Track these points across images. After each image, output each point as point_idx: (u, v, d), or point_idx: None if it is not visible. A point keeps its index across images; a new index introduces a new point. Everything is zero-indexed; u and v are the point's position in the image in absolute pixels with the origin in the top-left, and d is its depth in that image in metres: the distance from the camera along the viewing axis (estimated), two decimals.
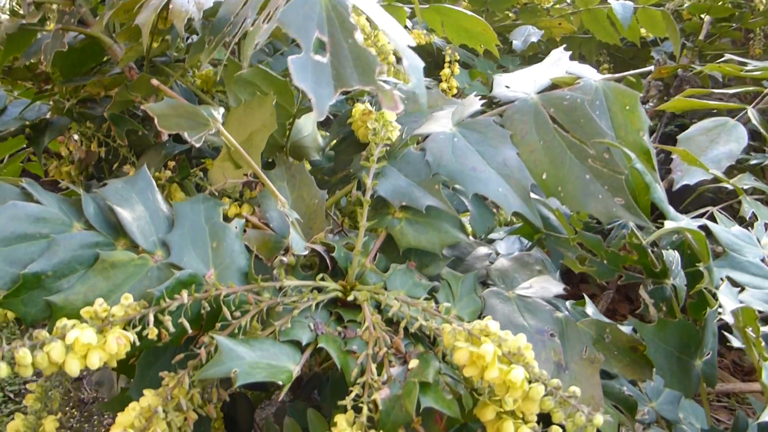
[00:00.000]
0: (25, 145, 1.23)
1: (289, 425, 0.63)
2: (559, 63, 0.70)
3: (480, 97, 0.71)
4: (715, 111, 1.65)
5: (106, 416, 2.47)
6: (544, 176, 0.63)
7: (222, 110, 0.64)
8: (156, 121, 0.61)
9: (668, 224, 0.59)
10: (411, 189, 0.63)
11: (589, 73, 0.67)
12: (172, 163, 0.91)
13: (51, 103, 1.01)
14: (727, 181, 0.82)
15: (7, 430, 0.74)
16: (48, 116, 1.11)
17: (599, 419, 0.51)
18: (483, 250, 0.73)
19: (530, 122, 0.65)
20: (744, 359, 2.40)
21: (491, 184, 0.62)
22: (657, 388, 0.84)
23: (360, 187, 0.65)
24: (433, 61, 1.64)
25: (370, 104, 0.77)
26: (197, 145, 0.60)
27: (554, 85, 0.68)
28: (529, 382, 0.52)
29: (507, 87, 0.69)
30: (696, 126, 1.04)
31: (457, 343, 0.53)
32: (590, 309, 0.76)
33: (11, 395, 2.50)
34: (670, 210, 0.63)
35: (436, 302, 0.60)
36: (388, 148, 0.67)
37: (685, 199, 1.20)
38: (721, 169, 0.96)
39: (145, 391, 0.52)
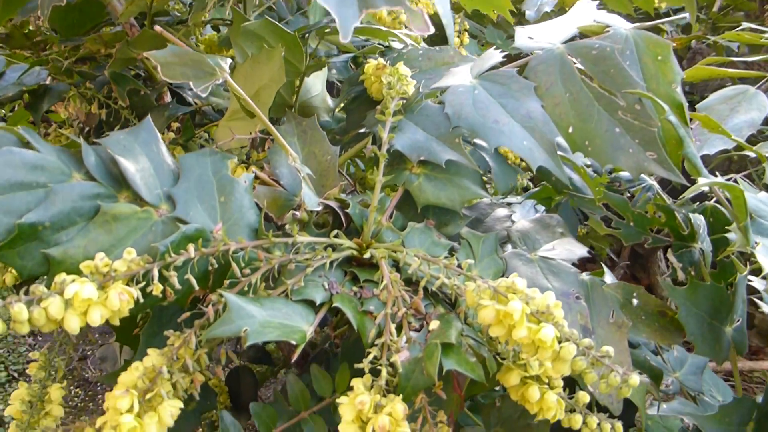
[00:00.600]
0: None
1: (293, 382, 0.60)
2: (585, 12, 0.66)
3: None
4: (729, 83, 1.61)
5: None
6: (570, 130, 0.59)
7: (229, 60, 0.61)
8: (159, 69, 0.57)
9: (702, 180, 0.56)
10: (429, 143, 0.60)
11: (618, 22, 0.63)
12: (175, 125, 0.87)
13: (50, 65, 0.97)
14: (750, 148, 0.78)
15: (10, 399, 0.71)
16: (47, 82, 1.08)
17: (635, 379, 0.48)
18: (503, 211, 0.69)
19: (555, 73, 0.61)
20: (751, 338, 2.37)
21: (515, 137, 0.58)
22: (680, 359, 0.81)
23: (375, 142, 0.61)
24: (440, 34, 1.60)
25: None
26: (203, 95, 0.56)
27: (580, 36, 0.64)
28: (560, 341, 0.49)
29: (530, 38, 0.65)
30: (715, 95, 1.00)
31: (482, 301, 0.50)
32: (609, 278, 0.73)
33: (15, 374, 2.49)
34: (703, 167, 0.60)
35: (457, 263, 0.57)
36: (404, 101, 0.63)
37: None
38: (743, 137, 0.93)
39: (149, 351, 0.49)
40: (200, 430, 1.08)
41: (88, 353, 2.61)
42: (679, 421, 0.86)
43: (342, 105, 0.84)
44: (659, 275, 1.18)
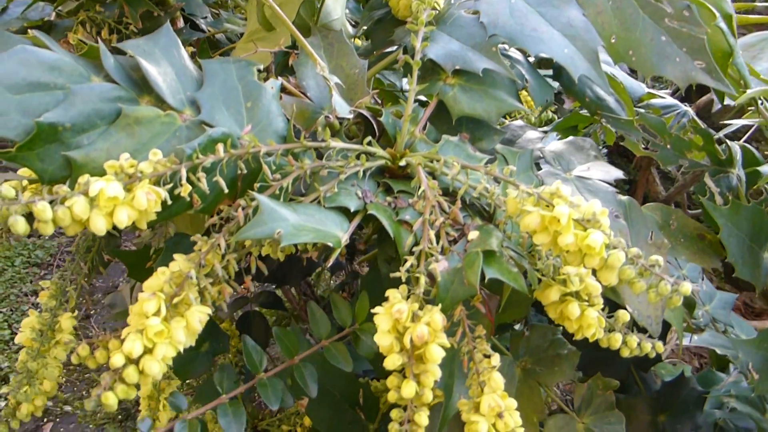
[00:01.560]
0: None
1: (314, 311, 0.59)
2: None
3: None
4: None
5: None
6: (613, 39, 0.56)
7: None
8: None
9: (755, 89, 0.53)
10: (465, 52, 0.57)
11: None
12: (190, 49, 0.84)
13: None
14: None
15: (21, 326, 0.69)
16: (52, 18, 1.04)
17: (687, 287, 0.45)
18: (534, 133, 0.67)
19: None
20: (755, 300, 2.37)
21: (555, 44, 0.55)
22: (709, 294, 0.79)
23: (406, 53, 0.58)
24: None
25: None
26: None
27: None
28: (607, 248, 0.47)
29: None
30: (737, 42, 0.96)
31: (527, 207, 0.47)
32: None
33: (19, 332, 2.48)
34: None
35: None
36: (436, 11, 0.60)
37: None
38: None
39: (176, 256, 0.47)
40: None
41: (92, 313, 2.61)
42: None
43: (361, 31, 0.80)
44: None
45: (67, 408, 2.12)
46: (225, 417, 0.53)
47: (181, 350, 0.46)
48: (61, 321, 0.70)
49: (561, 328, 0.71)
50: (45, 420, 2.06)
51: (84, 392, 2.22)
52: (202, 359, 0.92)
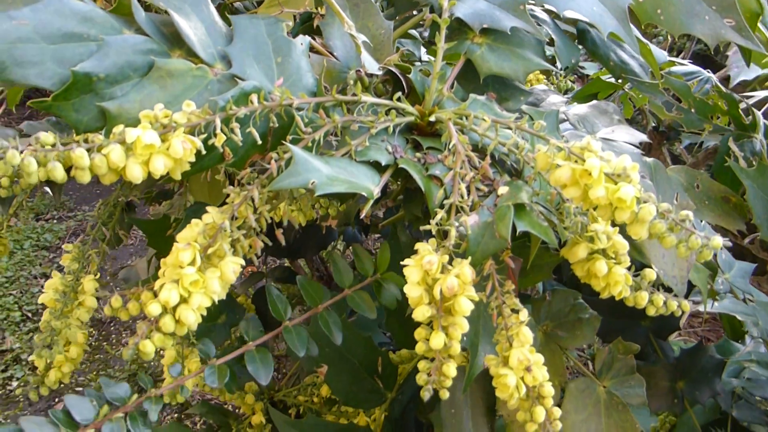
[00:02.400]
0: None
1: (337, 260, 0.59)
2: None
3: None
4: None
5: (123, 335, 2.48)
6: None
7: None
8: None
9: None
10: (492, 11, 0.57)
11: None
12: None
13: None
14: None
15: (45, 287, 0.70)
16: None
17: (718, 240, 0.45)
18: (557, 97, 0.67)
19: None
20: (763, 285, 2.36)
21: (584, 2, 0.55)
22: (728, 262, 0.79)
23: (433, 11, 0.58)
24: None
25: None
26: None
27: None
28: (638, 202, 0.47)
29: None
30: None
31: (557, 161, 0.47)
32: None
33: (29, 314, 2.50)
34: None
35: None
36: None
37: None
38: None
39: (209, 209, 0.47)
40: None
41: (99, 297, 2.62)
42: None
43: None
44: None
45: (80, 390, 2.14)
46: (253, 363, 0.53)
47: (215, 300, 0.47)
48: (84, 283, 0.71)
49: (581, 294, 0.72)
50: (56, 400, 2.08)
51: (95, 373, 2.23)
52: (220, 330, 0.93)
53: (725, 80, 1.02)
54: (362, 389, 0.85)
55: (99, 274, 0.75)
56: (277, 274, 1.26)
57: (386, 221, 0.69)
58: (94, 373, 2.22)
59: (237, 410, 1.03)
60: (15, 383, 2.14)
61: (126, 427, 0.45)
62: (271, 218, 0.51)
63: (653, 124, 1.22)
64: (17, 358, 2.25)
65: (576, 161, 0.47)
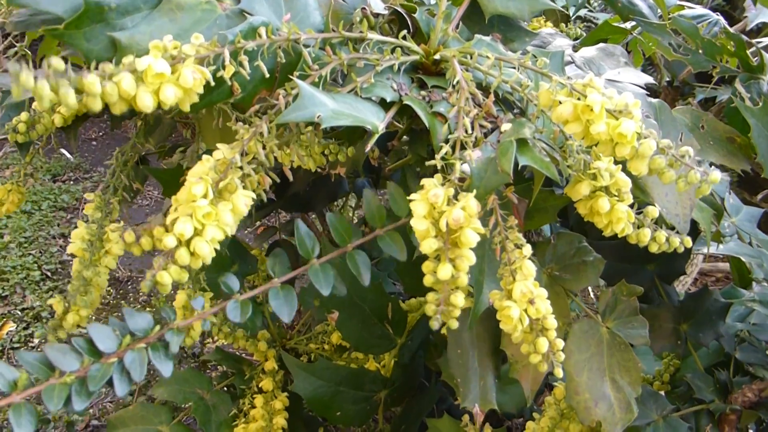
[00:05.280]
0: None
1: (369, 198, 0.59)
2: None
3: None
4: None
5: (140, 294, 2.51)
6: None
7: None
8: None
9: None
10: None
11: None
12: None
13: None
14: None
15: (71, 237, 0.71)
16: None
17: (716, 175, 0.46)
18: (564, 40, 0.67)
19: None
20: None
21: None
22: (735, 206, 0.80)
23: None
24: None
25: None
26: None
27: None
28: (639, 138, 0.47)
29: None
30: None
31: (559, 97, 0.48)
32: None
33: (48, 273, 2.54)
34: None
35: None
36: None
37: None
38: None
39: (219, 145, 0.48)
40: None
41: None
42: None
43: None
44: None
45: None
46: (276, 299, 0.54)
47: (228, 233, 0.48)
48: (109, 231, 0.72)
49: (586, 237, 0.72)
50: None
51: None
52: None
53: (745, 34, 1.02)
54: (372, 335, 0.87)
55: (122, 222, 0.76)
56: (291, 228, 1.28)
57: (394, 164, 0.70)
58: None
59: (250, 356, 1.05)
60: (36, 341, 2.19)
61: (147, 357, 0.46)
62: (280, 164, 0.52)
63: (667, 79, 1.21)
64: (38, 315, 2.29)
65: (579, 98, 0.48)
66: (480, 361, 0.71)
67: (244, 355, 1.16)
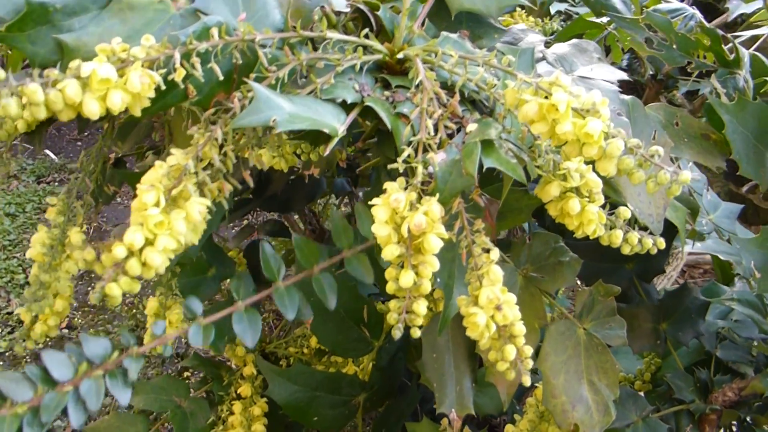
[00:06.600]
0: None
1: (337, 219, 0.58)
2: None
3: None
4: None
5: (127, 296, 2.50)
6: None
7: None
8: None
9: None
10: None
11: None
12: None
13: None
14: None
15: (31, 242, 0.69)
16: None
17: (686, 175, 0.45)
18: (537, 36, 0.65)
19: None
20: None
21: None
22: (714, 203, 0.79)
23: None
24: None
25: None
26: None
27: None
28: (606, 137, 0.46)
29: None
30: None
31: (524, 96, 0.46)
32: None
33: None
34: None
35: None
36: None
37: None
38: None
39: (173, 150, 0.47)
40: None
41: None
42: None
43: None
44: None
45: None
46: (240, 324, 0.52)
47: (182, 243, 0.46)
48: (71, 235, 0.70)
49: (562, 237, 0.71)
50: None
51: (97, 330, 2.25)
52: (209, 284, 0.93)
53: (727, 26, 1.00)
54: (348, 338, 0.85)
55: (86, 227, 0.74)
56: (269, 228, 1.26)
57: (365, 165, 0.68)
58: (98, 330, 2.24)
59: (229, 362, 1.03)
60: (5, 343, 2.17)
61: (105, 384, 0.44)
62: (238, 160, 0.50)
63: (651, 72, 1.20)
64: (22, 321, 2.28)
65: (547, 96, 0.47)
66: (456, 365, 0.69)
67: (222, 360, 1.15)
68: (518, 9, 1.42)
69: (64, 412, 0.42)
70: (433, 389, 0.68)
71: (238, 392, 0.94)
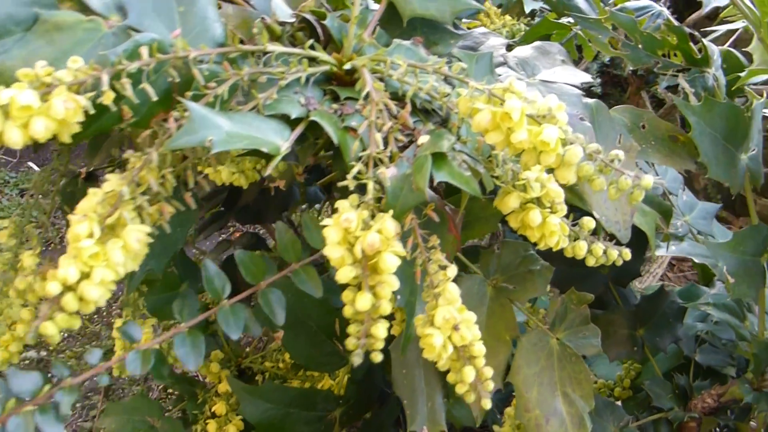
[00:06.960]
0: None
1: (282, 231, 0.56)
2: None
3: None
4: None
5: (113, 307, 2.46)
6: None
7: None
8: None
9: None
10: None
11: None
12: None
13: None
14: None
15: None
16: None
17: (648, 180, 0.43)
18: (498, 40, 0.63)
19: None
20: None
21: None
22: (689, 203, 0.77)
23: None
24: None
25: None
26: None
27: None
28: (564, 144, 0.44)
29: None
30: None
31: (477, 105, 0.44)
32: None
33: None
34: None
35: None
36: None
37: None
38: None
39: (108, 176, 0.44)
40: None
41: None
42: None
43: None
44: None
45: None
46: (183, 347, 0.50)
47: (122, 273, 0.44)
48: (23, 259, 0.68)
49: (534, 244, 0.69)
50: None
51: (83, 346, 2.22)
52: (181, 299, 0.91)
53: (710, 18, 0.99)
54: (321, 352, 0.83)
55: (40, 249, 0.72)
56: (245, 241, 1.24)
57: (323, 180, 0.66)
58: (85, 345, 2.21)
59: (204, 379, 1.01)
60: None
61: (34, 421, 0.42)
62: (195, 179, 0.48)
63: (631, 68, 1.18)
64: None
65: (502, 104, 0.44)
66: (427, 381, 0.67)
67: (196, 377, 1.12)
68: (494, 8, 1.40)
69: None
70: (405, 406, 0.66)
71: (212, 410, 0.92)
